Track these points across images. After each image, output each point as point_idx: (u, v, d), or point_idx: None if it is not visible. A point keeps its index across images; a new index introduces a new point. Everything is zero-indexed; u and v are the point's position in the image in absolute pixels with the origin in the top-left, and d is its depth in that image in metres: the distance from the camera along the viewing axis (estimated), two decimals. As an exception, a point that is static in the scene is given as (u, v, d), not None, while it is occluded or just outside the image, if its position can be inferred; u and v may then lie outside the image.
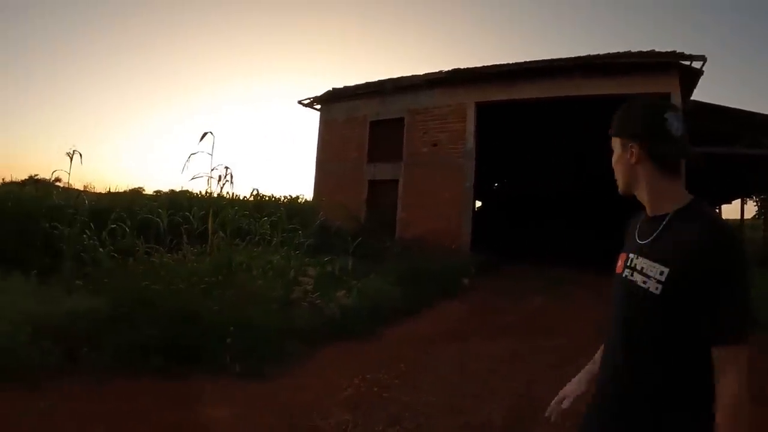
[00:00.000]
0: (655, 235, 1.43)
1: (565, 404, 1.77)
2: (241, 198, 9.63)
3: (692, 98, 12.78)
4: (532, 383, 4.67)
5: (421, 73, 14.42)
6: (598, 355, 1.78)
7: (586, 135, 16.85)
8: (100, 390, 3.60)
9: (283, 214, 8.09)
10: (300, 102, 16.59)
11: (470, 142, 13.56)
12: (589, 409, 1.58)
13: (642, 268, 1.41)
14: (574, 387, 1.82)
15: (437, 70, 14.14)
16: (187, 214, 6.93)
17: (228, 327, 4.24)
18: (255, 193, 9.85)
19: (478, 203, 23.38)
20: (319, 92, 16.36)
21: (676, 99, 11.68)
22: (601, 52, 12.55)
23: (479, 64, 13.86)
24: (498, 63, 13.46)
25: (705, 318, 1.26)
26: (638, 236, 1.51)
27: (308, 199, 13.84)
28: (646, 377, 1.37)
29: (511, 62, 13.27)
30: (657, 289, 1.33)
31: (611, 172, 1.63)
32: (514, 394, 4.39)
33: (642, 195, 1.50)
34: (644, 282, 1.38)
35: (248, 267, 5.79)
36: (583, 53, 12.87)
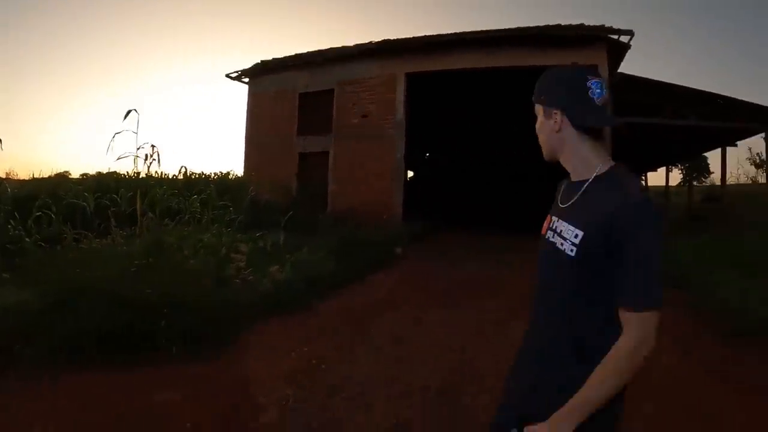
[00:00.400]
0: (574, 199, 1.48)
1: None
2: (170, 177, 9.41)
3: (619, 71, 13.29)
4: (466, 347, 4.90)
5: (351, 44, 14.33)
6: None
7: (517, 104, 17.34)
8: (39, 387, 3.51)
9: (213, 191, 7.98)
10: (228, 75, 16.20)
11: (401, 113, 13.64)
12: (514, 366, 1.66)
13: (561, 230, 1.47)
14: None
15: (368, 41, 14.09)
16: (115, 196, 6.73)
17: (162, 310, 4.21)
18: (183, 171, 9.61)
19: (411, 173, 23.63)
20: (248, 65, 16.01)
21: (604, 71, 12.14)
22: (532, 24, 12.82)
23: (411, 35, 13.87)
24: (429, 34, 13.52)
25: (616, 282, 1.32)
26: (560, 200, 1.57)
27: (239, 175, 13.62)
28: (560, 336, 1.44)
29: (442, 33, 13.35)
30: (572, 251, 1.39)
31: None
32: (449, 359, 4.58)
33: (566, 161, 1.54)
34: (561, 244, 1.44)
35: (179, 247, 5.70)
36: (514, 25, 13.10)
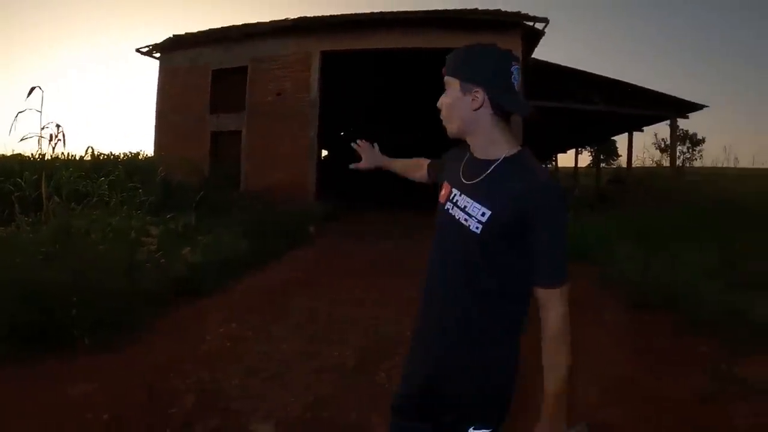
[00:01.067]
0: (482, 177, 1.50)
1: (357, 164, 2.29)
2: (77, 158, 9.01)
3: (533, 56, 13.78)
4: (380, 324, 5.04)
5: (267, 21, 14.07)
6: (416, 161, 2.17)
7: (431, 85, 17.58)
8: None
9: (122, 173, 7.71)
10: (138, 50, 15.43)
11: (315, 92, 13.61)
12: (414, 339, 1.72)
13: (465, 206, 1.50)
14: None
15: (284, 18, 13.87)
16: (19, 180, 6.37)
17: (71, 298, 4.07)
18: (91, 151, 9.20)
19: (326, 152, 23.58)
20: (159, 39, 15.35)
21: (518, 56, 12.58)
22: (450, 8, 13.07)
23: (327, 13, 13.78)
24: (347, 12, 13.50)
25: (534, 262, 1.40)
26: (463, 174, 1.58)
27: (149, 155, 13.18)
28: (462, 310, 1.50)
29: (359, 12, 13.40)
30: (477, 228, 1.43)
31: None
32: (363, 335, 4.71)
33: (475, 139, 1.56)
34: (465, 220, 1.47)
35: (87, 232, 5.51)
36: (431, 8, 13.31)
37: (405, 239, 10.16)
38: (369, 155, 2.29)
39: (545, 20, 12.32)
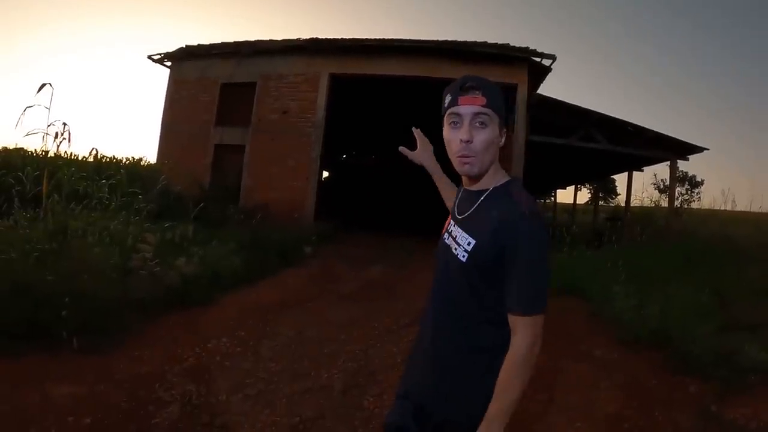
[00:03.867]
0: (473, 208, 1.56)
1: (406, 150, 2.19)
2: (80, 158, 9.03)
3: (538, 92, 13.90)
4: (369, 347, 5.01)
5: (279, 39, 14.17)
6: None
7: (433, 114, 17.68)
8: None
9: (124, 177, 7.71)
10: (150, 57, 15.47)
11: (321, 113, 13.65)
12: (409, 361, 1.78)
13: (456, 236, 1.57)
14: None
15: (296, 38, 13.98)
16: (20, 174, 6.37)
17: (63, 299, 4.03)
18: (94, 153, 9.22)
19: (327, 174, 23.67)
20: (172, 48, 15.41)
21: (523, 91, 12.80)
22: (459, 38, 13.25)
23: (338, 36, 13.91)
24: (358, 37, 13.64)
25: (507, 288, 1.42)
26: (458, 206, 1.66)
27: (152, 162, 13.22)
28: (449, 336, 1.55)
29: (371, 37, 13.48)
30: (463, 257, 1.49)
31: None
32: (352, 358, 4.67)
33: (486, 174, 1.58)
34: (455, 249, 1.54)
35: (84, 233, 5.49)
36: (441, 38, 13.47)
37: (398, 264, 10.19)
38: (422, 149, 2.19)
39: (552, 57, 12.46)
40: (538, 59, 12.68)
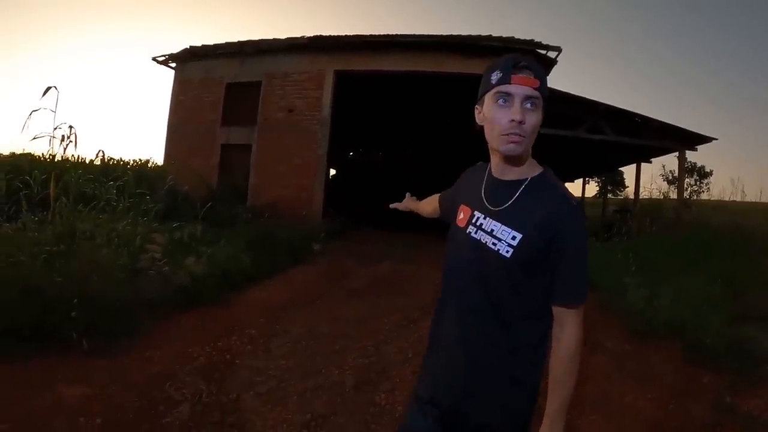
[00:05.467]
0: (511, 200, 1.48)
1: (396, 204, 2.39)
2: (87, 161, 9.05)
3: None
4: (380, 343, 5.00)
5: (283, 38, 14.17)
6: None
7: (442, 109, 17.65)
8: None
9: (131, 179, 7.71)
10: (154, 59, 15.47)
11: (327, 110, 13.64)
12: (432, 362, 1.66)
13: (492, 230, 1.47)
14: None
15: (300, 36, 13.98)
16: (27, 178, 6.39)
17: (72, 300, 4.03)
18: (101, 155, 9.24)
19: (334, 171, 23.70)
20: (176, 49, 15.41)
21: (531, 83, 12.65)
22: (464, 33, 13.18)
23: (342, 33, 13.90)
24: (362, 33, 13.63)
25: (559, 281, 1.41)
26: (486, 196, 1.55)
27: (159, 164, 13.27)
28: (486, 335, 1.48)
29: (375, 33, 13.48)
30: (507, 252, 1.42)
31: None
32: (363, 354, 4.66)
33: (521, 161, 1.52)
34: (494, 244, 1.45)
35: (92, 235, 5.50)
36: (446, 32, 13.41)
37: (407, 259, 10.17)
38: (407, 200, 2.41)
39: (558, 49, 12.37)
40: (543, 51, 12.57)
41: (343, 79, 14.01)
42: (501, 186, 1.53)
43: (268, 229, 9.71)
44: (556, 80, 45.20)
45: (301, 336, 5.04)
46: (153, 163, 12.62)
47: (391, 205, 2.41)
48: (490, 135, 1.50)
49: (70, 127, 6.01)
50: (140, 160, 11.91)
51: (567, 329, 1.42)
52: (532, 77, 1.43)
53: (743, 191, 14.60)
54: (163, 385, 3.59)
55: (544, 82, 1.45)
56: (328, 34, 13.75)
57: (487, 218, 1.51)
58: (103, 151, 9.38)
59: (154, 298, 5.08)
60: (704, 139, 14.63)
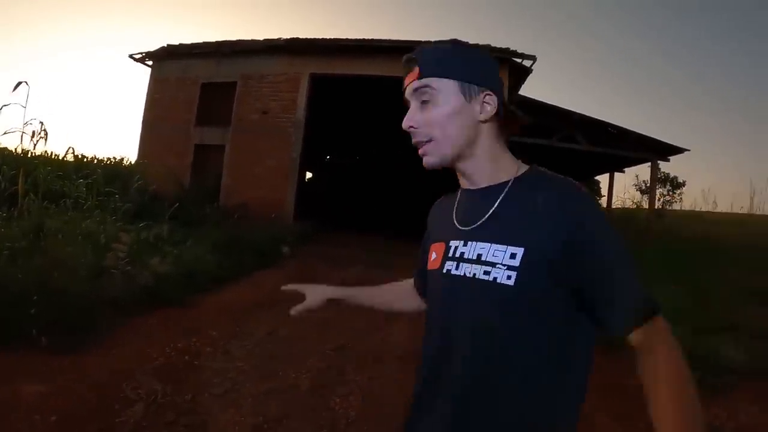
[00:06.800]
0: (492, 210, 1.06)
1: (299, 307, 1.57)
2: (57, 157, 9.01)
3: (519, 93, 14.11)
4: (341, 348, 5.05)
5: (260, 39, 14.24)
6: (385, 287, 1.65)
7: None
8: None
9: (100, 176, 7.70)
10: (131, 56, 15.47)
11: (301, 113, 13.73)
12: None
13: (479, 254, 1.04)
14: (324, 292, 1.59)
15: (277, 37, 14.05)
16: (-5, 173, 6.36)
17: (33, 296, 4.06)
18: (72, 152, 9.19)
19: (310, 175, 23.71)
20: (153, 48, 15.41)
21: (504, 92, 12.86)
22: (441, 39, 13.35)
23: (319, 36, 13.96)
24: (339, 37, 13.75)
25: (596, 305, 0.97)
26: (460, 218, 1.14)
27: (132, 162, 13.23)
28: (507, 396, 1.00)
29: (351, 37, 13.60)
30: (510, 278, 0.98)
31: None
32: (322, 358, 4.71)
33: (476, 163, 1.12)
34: (486, 273, 1.01)
35: (59, 232, 5.51)
36: (424, 38, 13.58)
37: (376, 264, 10.19)
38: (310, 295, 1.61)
39: (533, 58, 12.62)
40: (518, 60, 12.83)
41: (318, 82, 14.10)
42: (476, 196, 1.13)
43: (237, 230, 9.74)
44: (531, 89, 45.62)
45: (261, 338, 5.09)
46: (127, 161, 12.61)
47: (285, 287, 1.64)
48: None
49: (41, 122, 6.02)
50: (114, 158, 11.90)
51: (658, 354, 0.95)
52: (415, 69, 1.14)
53: (715, 202, 15.02)
54: (120, 384, 3.62)
55: (431, 63, 1.12)
56: (305, 37, 13.78)
57: (468, 242, 1.08)
58: (73, 148, 9.30)
59: (118, 298, 5.11)
60: (677, 150, 14.98)
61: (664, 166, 17.05)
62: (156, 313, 5.38)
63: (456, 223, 1.13)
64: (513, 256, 0.98)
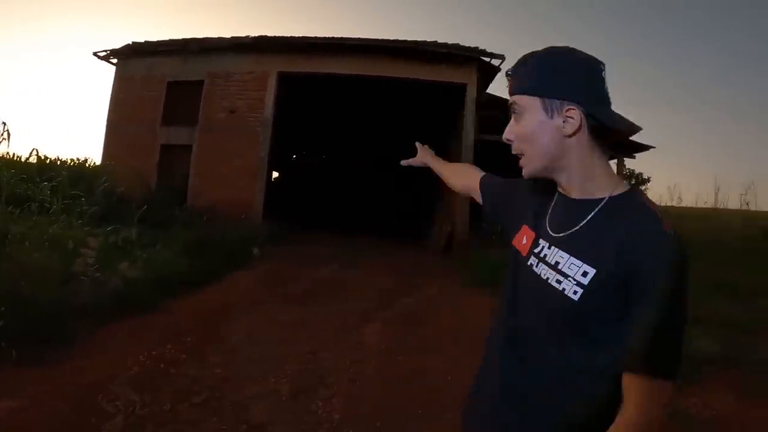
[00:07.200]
0: (581, 224, 1.10)
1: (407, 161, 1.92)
2: (21, 159, 8.75)
3: (487, 91, 14.19)
4: (318, 350, 5.01)
5: (228, 36, 14.04)
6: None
7: (386, 113, 17.80)
8: None
9: (65, 179, 7.49)
10: (96, 54, 15.02)
11: (269, 112, 13.60)
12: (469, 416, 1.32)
13: (557, 262, 1.10)
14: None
15: (244, 35, 13.89)
16: (-43, 177, 6.14)
17: (0, 307, 3.92)
18: (36, 154, 8.92)
19: (277, 174, 23.55)
20: (118, 45, 15.02)
21: (473, 90, 13.06)
22: (410, 38, 13.43)
23: (287, 34, 13.85)
24: (307, 35, 13.67)
25: (632, 339, 0.97)
26: (552, 220, 1.19)
27: (98, 163, 12.91)
28: (553, 403, 1.09)
29: (319, 36, 13.52)
30: (575, 293, 1.03)
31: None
32: (301, 361, 4.66)
33: (567, 177, 1.15)
34: (558, 282, 1.07)
35: (24, 238, 5.33)
36: (390, 37, 13.60)
37: (349, 264, 10.24)
38: (421, 152, 1.92)
39: (501, 57, 12.75)
40: (487, 59, 12.95)
41: (286, 80, 13.98)
42: (570, 206, 1.15)
43: (206, 232, 9.61)
44: (499, 88, 45.94)
45: (237, 343, 5.02)
46: (92, 162, 12.31)
47: (403, 162, 1.97)
48: None
49: (3, 123, 5.83)
50: (78, 159, 11.61)
51: (631, 408, 0.99)
52: (510, 80, 1.20)
53: (680, 197, 15.38)
54: (96, 396, 3.51)
55: (522, 77, 1.16)
56: (272, 35, 13.66)
57: (552, 247, 1.14)
58: (37, 150, 9.05)
59: (88, 305, 4.98)
60: (643, 148, 15.26)
61: (629, 163, 17.39)
62: (128, 319, 5.25)
63: (547, 224, 1.19)
64: (585, 274, 1.03)
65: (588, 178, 1.13)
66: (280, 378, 4.23)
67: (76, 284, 5.25)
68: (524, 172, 1.20)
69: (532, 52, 1.17)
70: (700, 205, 13.99)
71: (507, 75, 1.21)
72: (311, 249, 12.24)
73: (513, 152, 1.20)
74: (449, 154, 12.78)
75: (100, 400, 3.48)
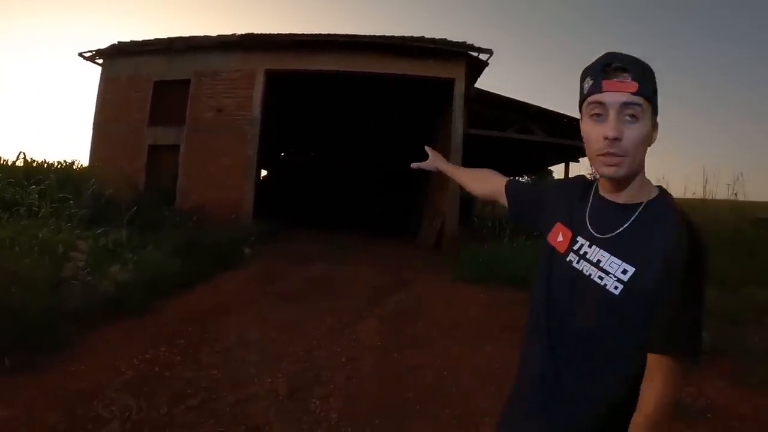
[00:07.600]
0: (623, 226, 1.21)
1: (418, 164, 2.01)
2: (8, 163, 8.65)
3: (475, 86, 14.20)
4: (313, 348, 5.00)
5: (214, 35, 13.97)
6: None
7: (375, 109, 17.78)
8: None
9: (54, 182, 7.41)
10: (81, 54, 14.85)
11: (257, 110, 13.53)
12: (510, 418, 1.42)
13: (599, 260, 1.21)
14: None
15: (231, 33, 13.80)
16: (-58, 182, 6.07)
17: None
18: (23, 157, 8.81)
19: (265, 173, 23.49)
20: (103, 45, 14.87)
21: (461, 85, 13.04)
22: (397, 33, 13.40)
23: (274, 31, 13.78)
24: (294, 32, 13.61)
25: (659, 324, 1.11)
26: (592, 220, 1.29)
27: (85, 165, 12.80)
28: (596, 390, 1.19)
29: (307, 33, 13.48)
30: (616, 288, 1.15)
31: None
32: (295, 360, 4.65)
33: (632, 183, 1.24)
34: (600, 278, 1.19)
35: (12, 243, 5.28)
36: (378, 32, 13.60)
37: (340, 262, 10.23)
38: (433, 157, 1.99)
39: (489, 51, 12.77)
40: (475, 54, 12.97)
41: (274, 78, 13.91)
42: (611, 209, 1.26)
43: (196, 232, 9.57)
44: (486, 83, 46.20)
45: (231, 344, 4.99)
46: (79, 164, 12.21)
47: (413, 165, 2.04)
48: (588, 154, 1.26)
49: (-13, 128, 5.75)
50: (65, 162, 11.49)
51: (655, 385, 1.10)
52: (628, 79, 1.16)
53: (668, 188, 15.50)
54: (90, 402, 3.48)
55: (645, 82, 1.17)
56: (259, 32, 13.58)
57: (593, 246, 1.24)
58: (24, 153, 8.95)
59: (79, 309, 4.93)
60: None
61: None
62: (120, 323, 5.21)
63: (588, 223, 1.29)
64: (625, 272, 1.16)
65: (639, 186, 1.24)
66: (276, 378, 4.21)
67: (67, 289, 5.20)
68: (614, 172, 1.20)
69: (626, 54, 1.20)
70: (689, 195, 14.10)
71: (619, 69, 1.18)
72: (302, 247, 12.22)
73: (612, 150, 1.17)
74: (437, 149, 12.76)
75: (96, 406, 3.45)
